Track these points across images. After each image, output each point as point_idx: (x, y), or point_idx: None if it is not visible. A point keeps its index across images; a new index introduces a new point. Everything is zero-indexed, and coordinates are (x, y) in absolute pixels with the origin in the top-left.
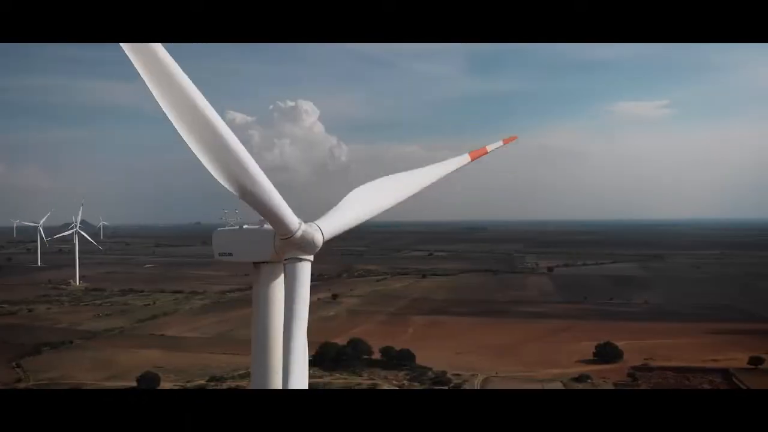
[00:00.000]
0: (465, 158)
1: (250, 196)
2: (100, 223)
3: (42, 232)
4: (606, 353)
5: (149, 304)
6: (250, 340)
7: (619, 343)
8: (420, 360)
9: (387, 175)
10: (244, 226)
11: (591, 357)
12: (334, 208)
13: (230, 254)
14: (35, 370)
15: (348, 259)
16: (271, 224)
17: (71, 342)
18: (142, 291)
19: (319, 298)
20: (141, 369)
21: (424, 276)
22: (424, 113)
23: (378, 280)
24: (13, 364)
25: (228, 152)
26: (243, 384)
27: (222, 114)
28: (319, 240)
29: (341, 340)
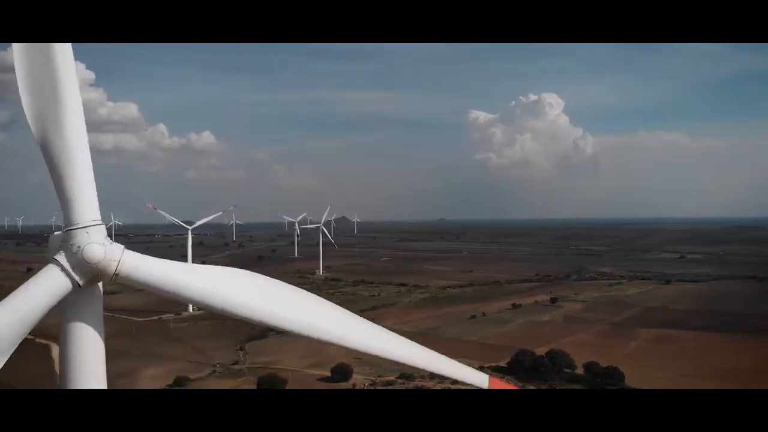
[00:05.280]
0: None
1: None
2: (355, 219)
3: (298, 228)
4: None
5: (374, 295)
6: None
7: None
8: (631, 381)
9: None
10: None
11: None
12: (70, 187)
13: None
14: (254, 353)
15: (582, 260)
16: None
17: None
18: (372, 282)
19: (536, 301)
20: (342, 359)
21: (667, 282)
22: (687, 97)
23: (611, 285)
24: (238, 347)
25: None
26: (428, 384)
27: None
28: (94, 253)
29: (545, 349)
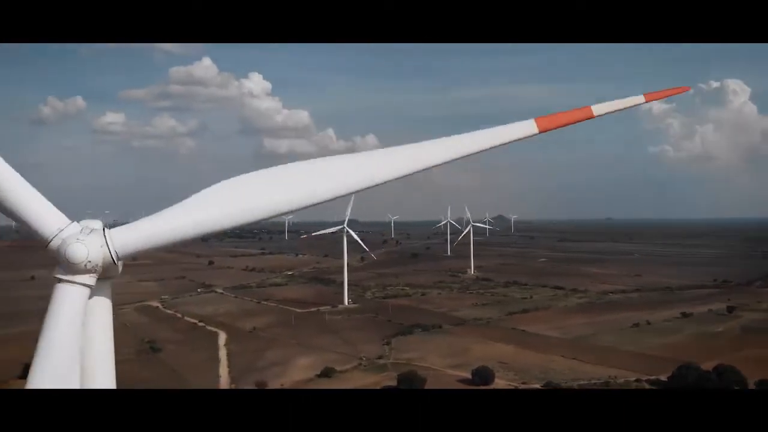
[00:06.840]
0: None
1: None
2: (512, 217)
3: (449, 227)
4: None
5: (526, 298)
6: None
7: None
8: None
9: None
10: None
11: None
12: (177, 206)
13: None
14: (399, 349)
15: None
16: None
17: (440, 327)
18: (525, 284)
19: (710, 310)
20: (486, 361)
21: None
22: None
23: None
24: (385, 341)
25: None
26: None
27: None
28: (78, 254)
29: (713, 363)
